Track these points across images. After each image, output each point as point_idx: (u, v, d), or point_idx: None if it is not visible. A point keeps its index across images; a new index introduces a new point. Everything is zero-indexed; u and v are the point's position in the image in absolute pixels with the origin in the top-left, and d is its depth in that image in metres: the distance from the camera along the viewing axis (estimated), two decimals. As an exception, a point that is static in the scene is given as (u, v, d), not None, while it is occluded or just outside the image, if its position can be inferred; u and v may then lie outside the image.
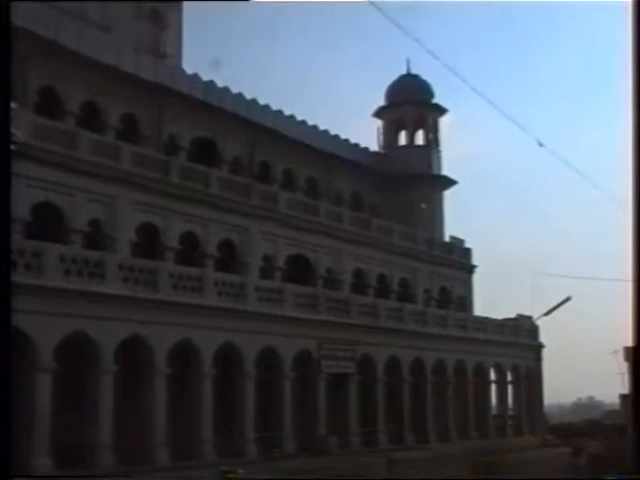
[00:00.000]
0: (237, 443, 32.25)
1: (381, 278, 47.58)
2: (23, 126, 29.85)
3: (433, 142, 56.71)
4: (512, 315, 53.01)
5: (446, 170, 56.78)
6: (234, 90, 44.50)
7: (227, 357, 32.14)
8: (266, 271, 39.59)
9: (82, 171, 31.96)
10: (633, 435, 9.94)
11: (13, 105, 28.99)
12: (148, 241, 34.50)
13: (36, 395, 25.40)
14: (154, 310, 28.83)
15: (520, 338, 51.88)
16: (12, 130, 28.27)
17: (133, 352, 28.58)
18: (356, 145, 53.73)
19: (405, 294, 48.78)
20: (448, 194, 57.14)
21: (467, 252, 55.43)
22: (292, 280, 38.96)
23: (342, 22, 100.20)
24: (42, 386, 25.55)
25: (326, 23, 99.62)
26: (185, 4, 47.61)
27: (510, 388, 51.84)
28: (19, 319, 24.56)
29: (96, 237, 32.70)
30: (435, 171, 56.10)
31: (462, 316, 49.38)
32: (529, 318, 53.69)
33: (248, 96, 45.32)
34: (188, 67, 44.77)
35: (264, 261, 39.82)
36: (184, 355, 30.47)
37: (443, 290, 52.50)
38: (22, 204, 30.09)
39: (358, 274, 45.93)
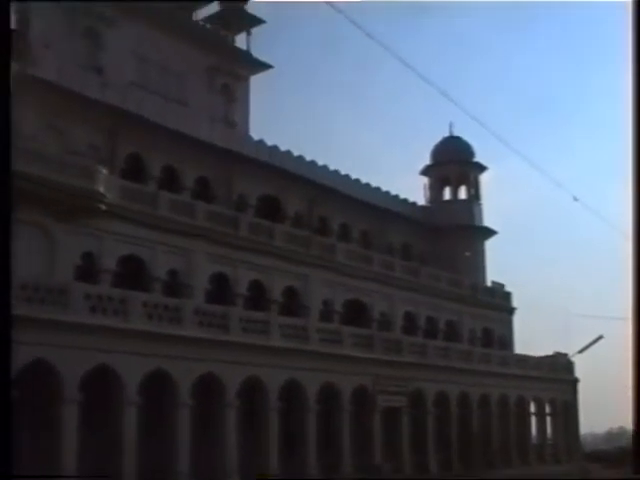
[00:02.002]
0: (300, 469, 32.40)
1: (429, 320, 47.69)
2: (112, 189, 30.89)
3: (475, 196, 56.91)
4: (549, 352, 52.60)
5: (487, 221, 56.91)
6: (295, 153, 45.33)
7: (291, 392, 32.41)
8: (325, 314, 39.99)
9: (162, 227, 32.88)
10: (633, 435, 9.94)
11: (103, 171, 30.17)
12: (220, 288, 35.16)
13: (123, 427, 25.96)
14: (226, 350, 29.31)
15: (557, 373, 51.41)
16: (102, 191, 29.31)
17: (207, 387, 29.02)
18: (405, 200, 54.15)
19: (451, 334, 48.77)
20: (489, 243, 57.19)
21: (507, 295, 55.27)
22: (349, 322, 39.33)
23: (387, 88, 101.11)
24: (129, 418, 26.10)
25: (375, 89, 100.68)
26: (252, 80, 48.68)
27: (548, 419, 51.29)
28: (109, 358, 25.40)
29: (174, 285, 33.45)
30: (477, 222, 56.21)
31: (504, 354, 49.17)
32: (565, 355, 53.25)
33: (308, 158, 46.11)
34: (255, 134, 45.78)
35: (324, 305, 40.24)
36: (252, 390, 30.84)
37: (486, 330, 52.33)
38: (110, 257, 31.07)
39: (409, 317, 46.09)
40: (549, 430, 51.52)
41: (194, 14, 49.10)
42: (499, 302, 54.01)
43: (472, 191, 56.88)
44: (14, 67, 29.93)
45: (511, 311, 55.14)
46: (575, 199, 34.29)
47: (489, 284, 54.99)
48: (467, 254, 54.60)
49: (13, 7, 31.08)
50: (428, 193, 57.10)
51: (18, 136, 30.25)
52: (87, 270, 30.16)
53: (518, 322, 55.58)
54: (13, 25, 31.03)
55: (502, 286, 55.26)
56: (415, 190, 57.58)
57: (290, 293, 38.69)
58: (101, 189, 30.12)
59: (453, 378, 41.44)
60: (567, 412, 51.79)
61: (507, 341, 54.04)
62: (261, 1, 51.22)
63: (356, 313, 42.11)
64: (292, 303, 38.61)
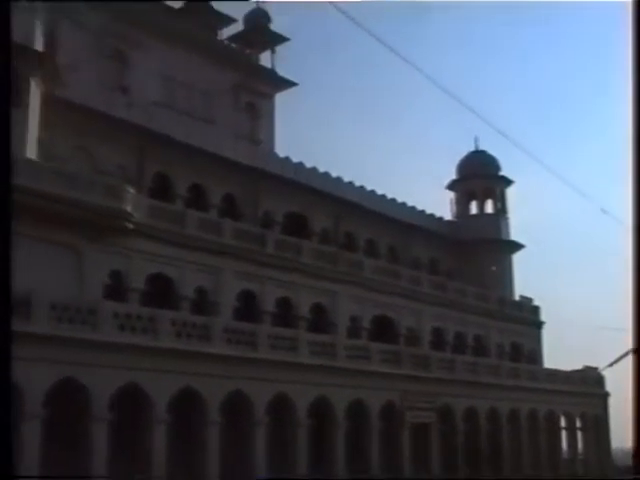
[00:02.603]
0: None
1: (457, 335, 47.46)
2: (140, 208, 31.08)
3: (501, 210, 56.70)
4: (579, 366, 52.14)
5: (514, 235, 56.64)
6: (321, 169, 45.42)
7: (320, 409, 32.33)
8: (353, 331, 39.92)
9: (190, 245, 33.02)
10: (633, 435, 9.79)
11: (131, 190, 30.36)
12: (248, 306, 35.21)
13: (153, 445, 26.01)
14: (254, 367, 29.32)
15: (587, 387, 50.92)
16: (130, 210, 29.49)
17: (236, 405, 29.02)
18: (431, 215, 54.09)
19: (479, 349, 48.50)
20: (517, 257, 56.92)
21: (536, 309, 54.90)
22: (377, 338, 39.23)
23: (411, 102, 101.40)
24: (159, 435, 26.16)
25: (398, 104, 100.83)
26: (277, 97, 48.93)
27: (579, 434, 50.76)
28: (138, 376, 25.48)
29: (202, 303, 33.53)
30: (504, 236, 55.98)
31: (533, 368, 48.79)
32: (595, 369, 52.74)
33: (333, 174, 46.17)
34: (280, 151, 45.96)
35: (351, 322, 40.17)
36: (281, 407, 30.79)
37: (514, 345, 51.98)
38: (138, 275, 31.23)
39: (436, 332, 45.91)
40: (580, 445, 50.98)
41: (219, 33, 49.50)
42: (527, 316, 53.66)
43: (498, 205, 56.69)
44: (43, 89, 30.41)
45: (539, 325, 54.76)
46: (604, 211, 34.05)
47: (517, 298, 54.69)
48: (494, 268, 54.37)
49: (41, 30, 31.43)
50: (454, 208, 57.00)
51: (47, 158, 30.65)
52: (116, 289, 30.32)
53: (547, 336, 55.21)
54: (41, 47, 31.37)
55: (530, 300, 54.92)
56: (441, 205, 57.40)
57: (318, 310, 38.67)
58: (129, 208, 30.33)
59: (482, 393, 41.16)
60: (598, 427, 51.24)
61: (536, 355, 53.64)
62: (283, 13, 51.45)
63: (384, 329, 41.99)
64: (320, 320, 38.57)
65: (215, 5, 50.03)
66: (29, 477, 19.69)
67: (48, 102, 30.98)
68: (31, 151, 29.56)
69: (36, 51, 30.69)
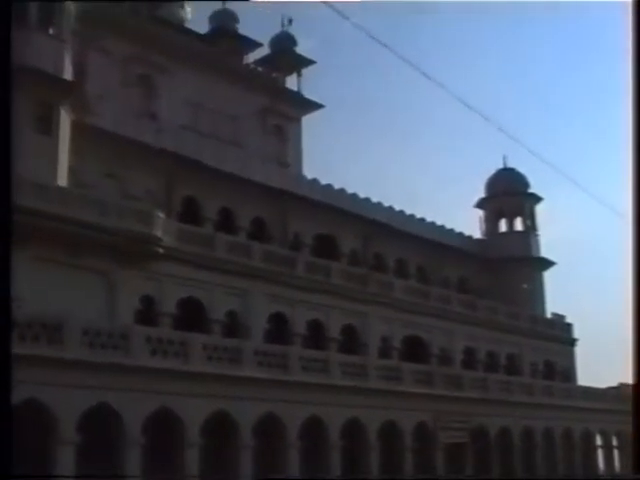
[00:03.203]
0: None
1: (490, 354, 47.17)
2: (170, 233, 31.30)
3: (531, 227, 56.42)
4: (614, 384, 51.55)
5: (545, 252, 56.26)
6: (349, 190, 45.49)
7: (352, 430, 32.20)
8: (384, 351, 39.83)
9: (220, 268, 33.15)
10: (633, 435, 9.69)
11: (160, 215, 30.59)
12: (279, 328, 35.25)
13: (185, 468, 26.03)
14: (286, 390, 29.28)
15: (623, 405, 50.24)
16: (160, 235, 29.69)
17: (269, 427, 28.97)
18: (460, 234, 53.92)
19: (512, 368, 48.16)
20: (548, 274, 56.51)
21: (568, 327, 54.45)
22: (408, 358, 39.10)
23: (437, 121, 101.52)
24: (191, 458, 26.17)
25: (424, 122, 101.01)
26: (303, 119, 49.22)
27: (616, 452, 50.12)
28: (170, 400, 25.55)
29: (233, 326, 33.61)
30: (534, 254, 55.64)
31: (567, 386, 48.35)
32: (630, 386, 52.12)
33: (361, 195, 46.21)
34: (308, 173, 46.17)
35: (382, 342, 40.08)
36: (313, 429, 30.69)
37: (547, 363, 51.56)
38: (170, 300, 31.41)
39: (468, 351, 45.66)
40: (617, 463, 50.32)
41: (245, 57, 49.96)
42: (560, 334, 53.23)
43: (528, 222, 56.41)
44: (72, 117, 30.78)
45: (573, 342, 54.29)
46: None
47: (549, 316, 54.28)
48: (525, 286, 54.04)
49: (70, 59, 31.86)
50: (484, 226, 56.80)
51: (78, 185, 30.99)
52: (147, 313, 30.50)
53: (580, 353, 54.67)
54: (70, 76, 31.80)
55: (562, 317, 54.49)
56: (470, 223, 57.20)
57: (349, 331, 38.63)
58: (159, 233, 30.54)
59: (516, 412, 40.81)
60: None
61: (570, 373, 53.16)
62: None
63: (415, 349, 41.84)
64: (351, 341, 38.52)
65: (241, 29, 50.59)
66: (29, 477, 19.72)
67: (78, 130, 31.36)
68: (62, 178, 29.91)
69: (65, 80, 31.12)
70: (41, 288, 26.33)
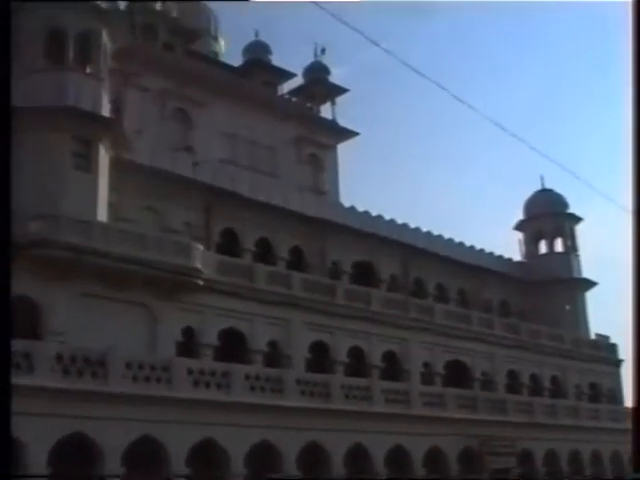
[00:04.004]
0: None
1: (533, 377, 46.74)
2: (209, 265, 31.56)
3: (572, 248, 55.93)
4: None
5: (586, 272, 55.67)
6: (387, 216, 45.52)
7: (397, 458, 32.03)
8: (427, 377, 39.63)
9: (260, 299, 33.33)
10: (633, 435, 9.55)
11: (199, 247, 30.87)
12: (320, 357, 35.26)
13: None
14: (329, 418, 29.26)
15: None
16: (199, 267, 29.97)
17: (313, 457, 28.92)
18: (500, 257, 53.61)
19: (557, 391, 47.65)
20: (590, 294, 55.87)
21: (613, 347, 53.75)
22: (451, 384, 38.86)
23: (472, 143, 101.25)
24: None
25: (458, 145, 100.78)
26: (339, 148, 49.51)
27: (667, 475, 49.22)
28: (214, 432, 25.66)
29: (274, 356, 33.69)
30: (576, 275, 55.09)
31: (614, 408, 47.63)
32: (680, 406, 51.23)
33: (399, 221, 46.23)
34: (345, 200, 46.30)
35: (424, 368, 39.91)
36: (358, 457, 30.59)
37: (593, 385, 50.93)
38: (211, 331, 31.61)
39: (512, 375, 45.27)
40: (668, 486, 49.42)
41: (279, 88, 50.43)
42: (605, 355, 52.57)
43: (568, 243, 55.96)
44: (111, 154, 31.28)
45: (618, 363, 53.56)
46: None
47: (593, 337, 53.66)
48: (567, 307, 53.50)
49: (108, 97, 32.39)
50: (523, 248, 56.45)
51: (117, 219, 31.43)
52: (188, 345, 30.70)
53: (627, 374, 53.89)
54: (108, 113, 32.32)
55: (607, 338, 53.84)
56: (510, 246, 56.78)
57: (390, 357, 38.54)
58: (198, 265, 30.80)
59: (562, 436, 40.32)
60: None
61: (616, 395, 52.39)
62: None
63: (458, 374, 41.58)
64: (393, 367, 38.41)
65: (274, 60, 51.12)
66: (28, 477, 19.85)
67: (116, 165, 31.83)
68: (102, 214, 30.33)
69: (103, 117, 31.65)
70: (84, 323, 26.70)
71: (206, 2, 53.81)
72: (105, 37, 32.68)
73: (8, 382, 7.06)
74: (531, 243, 56.25)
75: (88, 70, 32.33)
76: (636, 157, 8.25)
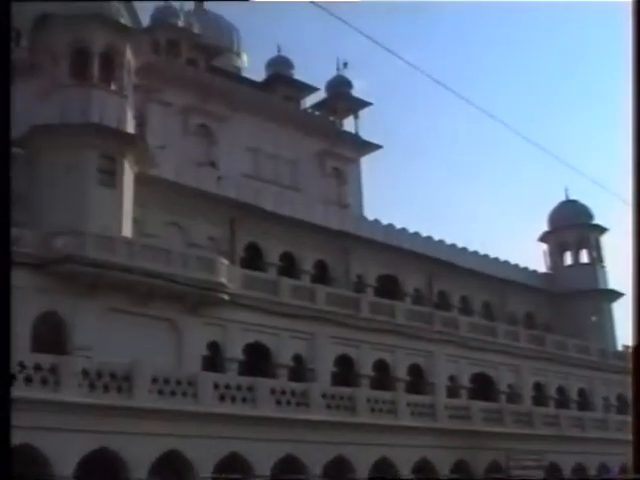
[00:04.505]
0: None
1: (560, 389, 46.36)
2: (234, 279, 31.61)
3: (597, 259, 55.54)
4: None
5: (612, 283, 55.24)
6: (411, 229, 45.46)
7: (423, 471, 31.87)
8: (452, 390, 39.42)
9: (284, 313, 33.31)
10: (633, 435, 9.34)
11: (224, 262, 30.93)
12: (345, 370, 35.18)
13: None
14: (355, 432, 29.18)
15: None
16: (224, 282, 29.96)
17: (338, 470, 28.83)
18: (525, 269, 53.32)
19: (584, 403, 47.23)
20: (617, 305, 55.41)
21: (641, 359, 53.13)
22: (477, 397, 38.63)
23: (494, 154, 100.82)
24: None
25: (481, 156, 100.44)
26: (362, 161, 49.54)
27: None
28: (239, 446, 25.64)
29: (299, 370, 33.64)
30: (602, 286, 54.68)
31: (642, 420, 47.07)
32: None
33: (423, 234, 46.12)
34: (369, 213, 46.30)
35: (450, 381, 39.70)
36: (384, 471, 30.46)
37: (620, 396, 50.38)
38: (236, 345, 31.63)
39: (538, 387, 44.92)
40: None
41: (302, 102, 50.56)
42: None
43: (594, 254, 55.58)
44: (135, 169, 31.49)
45: (646, 375, 52.94)
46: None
47: (620, 348, 53.17)
48: (594, 319, 53.07)
49: (132, 113, 32.61)
50: (548, 259, 56.13)
51: (142, 235, 31.57)
52: (214, 359, 30.74)
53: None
54: (132, 129, 32.53)
55: (634, 349, 53.26)
56: (535, 257, 56.54)
57: (415, 370, 38.37)
58: (223, 280, 30.86)
59: (590, 448, 39.91)
60: None
61: (645, 407, 51.78)
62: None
63: (483, 387, 41.32)
64: (418, 381, 38.24)
65: (296, 75, 51.29)
66: (29, 477, 19.83)
67: (140, 181, 32.01)
68: (127, 229, 30.49)
69: (127, 133, 31.86)
70: (110, 338, 26.79)
71: (228, 19, 54.18)
72: (129, 54, 32.94)
73: (8, 382, 7.12)
74: (556, 254, 55.91)
75: (112, 87, 32.59)
76: (636, 158, 8.17)
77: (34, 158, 30.89)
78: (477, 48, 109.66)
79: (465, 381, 40.41)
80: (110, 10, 33.18)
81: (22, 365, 21.87)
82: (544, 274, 55.06)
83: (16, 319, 26.27)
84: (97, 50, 31.94)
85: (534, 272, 54.16)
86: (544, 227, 56.40)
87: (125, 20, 33.85)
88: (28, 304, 26.39)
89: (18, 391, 21.60)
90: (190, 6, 53.11)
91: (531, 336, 46.08)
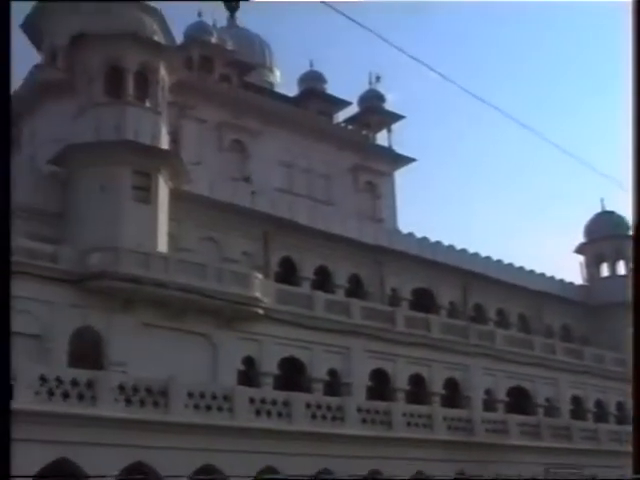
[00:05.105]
0: None
1: (598, 403, 45.87)
2: (269, 294, 31.71)
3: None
4: None
5: (651, 296, 54.48)
6: (445, 242, 45.29)
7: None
8: (489, 404, 39.13)
9: (319, 327, 33.34)
10: (633, 435, 9.17)
11: (258, 276, 31.02)
12: (380, 384, 35.07)
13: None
14: (391, 446, 29.05)
15: None
16: (259, 296, 30.07)
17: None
18: (561, 280, 52.86)
19: (623, 417, 46.64)
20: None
21: (681, 372, 52.46)
22: (514, 410, 38.34)
23: (528, 164, 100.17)
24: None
25: (516, 167, 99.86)
26: (396, 175, 49.51)
27: None
28: (275, 460, 25.62)
29: (334, 384, 33.60)
30: (639, 298, 54.02)
31: (683, 434, 46.43)
32: None
33: (458, 246, 45.93)
34: (403, 227, 46.21)
35: (486, 395, 39.43)
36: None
37: (661, 410, 49.73)
38: (271, 360, 31.67)
39: (576, 401, 44.49)
40: None
41: (335, 117, 50.67)
42: (672, 379, 51.34)
43: (631, 266, 54.98)
44: (170, 185, 31.74)
45: (687, 388, 52.25)
46: None
47: (659, 361, 52.47)
48: (632, 331, 52.39)
49: (166, 129, 32.89)
50: (585, 271, 55.61)
51: (177, 250, 31.78)
52: (249, 374, 30.80)
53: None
54: (166, 146, 32.80)
55: (674, 362, 52.60)
56: (571, 269, 56.09)
57: (451, 384, 38.16)
58: (257, 294, 30.96)
59: (629, 462, 39.28)
60: None
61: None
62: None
63: (520, 400, 40.99)
64: (454, 394, 38.02)
65: (329, 89, 51.45)
66: (27, 477, 19.92)
67: (175, 196, 32.25)
68: (162, 245, 30.71)
69: (162, 150, 32.14)
70: (145, 352, 26.96)
71: (261, 35, 54.53)
72: (163, 71, 33.25)
73: (8, 382, 7.24)
74: (593, 266, 55.40)
75: (147, 104, 32.89)
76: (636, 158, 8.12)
77: (70, 176, 31.27)
78: (509, 58, 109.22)
79: (502, 394, 40.11)
80: (144, 28, 33.57)
81: (59, 380, 22.06)
82: (580, 286, 54.54)
83: (53, 335, 26.67)
84: (131, 68, 32.29)
85: (570, 284, 53.68)
86: (581, 239, 55.97)
87: (159, 38, 34.21)
88: (64, 320, 26.73)
89: (56, 406, 21.85)
90: (223, 22, 53.58)
91: (568, 349, 45.69)
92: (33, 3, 39.27)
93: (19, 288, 26.29)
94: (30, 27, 39.55)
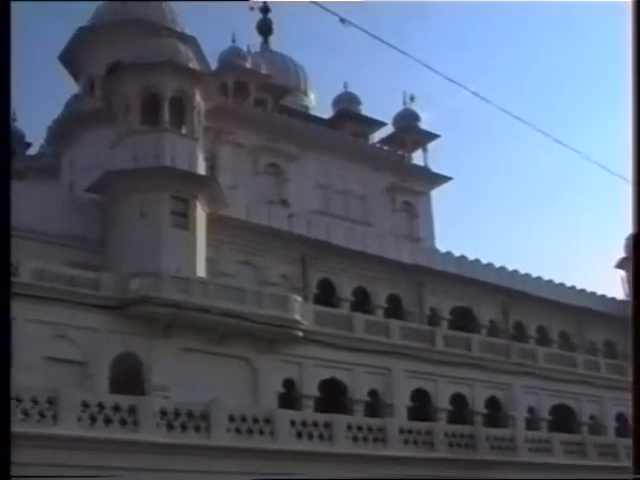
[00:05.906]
0: None
1: (644, 420, 45.14)
2: (308, 316, 31.79)
3: (678, 285, 54.16)
4: None
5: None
6: (484, 261, 45.06)
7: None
8: (532, 422, 38.74)
9: (359, 348, 33.30)
10: (633, 435, 9.03)
11: (297, 299, 31.13)
12: (422, 405, 34.91)
13: None
14: (433, 467, 28.79)
15: None
16: (298, 318, 30.14)
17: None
18: (603, 296, 52.29)
19: (670, 433, 45.88)
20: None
21: None
22: (558, 429, 37.86)
23: (563, 179, 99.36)
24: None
25: (552, 184, 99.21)
26: (432, 194, 49.45)
27: None
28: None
29: (376, 405, 33.51)
30: (684, 313, 53.29)
31: None
32: None
33: (496, 264, 45.67)
34: (441, 246, 46.07)
35: (529, 413, 39.05)
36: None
37: None
38: (312, 382, 31.71)
39: (621, 418, 43.81)
40: None
41: (370, 138, 50.81)
42: None
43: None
44: (207, 210, 31.99)
45: None
46: None
47: None
48: (676, 347, 51.68)
49: (203, 155, 33.24)
50: (626, 286, 54.98)
51: (216, 274, 32.02)
52: (290, 397, 30.84)
53: None
54: (203, 171, 33.14)
55: None
56: (613, 285, 55.46)
57: (493, 403, 37.84)
58: (297, 317, 31.04)
59: (678, 480, 38.72)
60: None
61: None
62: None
63: (564, 418, 40.53)
64: (496, 413, 37.70)
65: (363, 110, 51.62)
66: (26, 477, 20.03)
67: (213, 221, 32.51)
68: (200, 269, 30.95)
69: (199, 175, 32.47)
70: (186, 377, 27.14)
71: (295, 59, 54.87)
72: (198, 97, 33.63)
73: (8, 383, 7.40)
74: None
75: (183, 130, 33.27)
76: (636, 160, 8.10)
77: (109, 203, 31.69)
78: (542, 75, 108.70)
79: (545, 413, 39.70)
80: (180, 56, 34.01)
81: (101, 406, 22.24)
82: (622, 301, 53.90)
83: (95, 360, 26.93)
84: (168, 95, 32.73)
85: (612, 299, 53.09)
86: (621, 253, 55.36)
87: (194, 65, 34.61)
88: (106, 346, 27.03)
89: (98, 432, 22.02)
90: (256, 47, 54.00)
91: (612, 365, 45.09)
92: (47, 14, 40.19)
93: (61, 315, 26.77)
94: (68, 58, 40.24)
